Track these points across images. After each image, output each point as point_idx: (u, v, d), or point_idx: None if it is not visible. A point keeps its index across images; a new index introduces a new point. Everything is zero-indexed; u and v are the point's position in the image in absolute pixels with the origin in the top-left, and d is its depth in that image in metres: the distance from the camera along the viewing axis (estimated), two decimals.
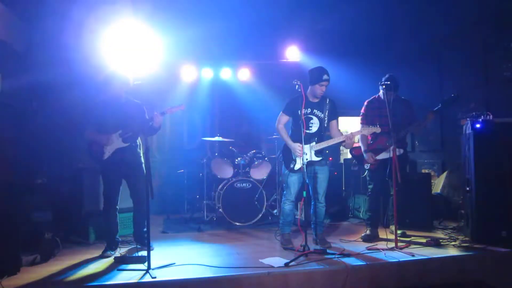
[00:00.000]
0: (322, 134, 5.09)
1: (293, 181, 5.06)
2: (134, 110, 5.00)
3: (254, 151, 7.24)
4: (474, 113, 5.33)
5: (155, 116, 4.76)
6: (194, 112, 8.89)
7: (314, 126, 5.06)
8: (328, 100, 5.08)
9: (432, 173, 7.54)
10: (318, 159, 5.01)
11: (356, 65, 7.64)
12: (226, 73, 8.70)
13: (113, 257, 4.59)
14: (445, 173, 7.23)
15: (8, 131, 5.53)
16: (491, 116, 5.18)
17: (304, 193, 4.70)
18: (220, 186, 6.86)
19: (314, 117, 5.06)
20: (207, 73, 8.61)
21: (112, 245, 4.95)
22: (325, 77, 4.91)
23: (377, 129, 4.96)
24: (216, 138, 7.29)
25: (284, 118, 5.15)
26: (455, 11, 6.75)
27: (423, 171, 7.90)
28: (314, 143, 4.99)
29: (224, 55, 8.36)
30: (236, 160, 7.08)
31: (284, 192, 5.18)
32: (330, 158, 7.80)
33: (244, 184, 6.73)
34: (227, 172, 7.06)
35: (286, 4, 7.00)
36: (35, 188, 5.59)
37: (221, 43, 7.83)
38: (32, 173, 5.77)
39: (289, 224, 5.19)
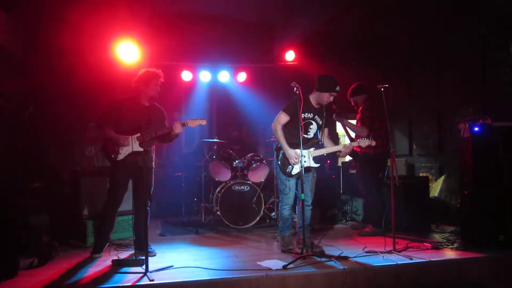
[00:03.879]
0: (316, 140, 5.11)
1: (291, 186, 5.04)
2: (157, 115, 4.95)
3: (252, 154, 7.23)
4: (472, 117, 5.34)
5: (175, 126, 4.74)
6: (191, 115, 8.89)
7: (312, 131, 5.08)
8: (325, 107, 5.10)
9: (430, 177, 7.55)
10: (317, 165, 5.02)
11: (354, 69, 7.65)
12: (224, 76, 8.71)
13: (111, 260, 4.58)
14: (442, 177, 7.23)
15: (6, 135, 5.52)
16: (489, 120, 5.19)
17: (302, 195, 4.70)
18: (218, 189, 6.86)
19: (314, 123, 5.08)
20: (205, 76, 8.62)
21: (103, 244, 4.95)
22: (337, 88, 4.95)
23: (372, 142, 5.02)
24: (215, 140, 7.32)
25: (284, 119, 5.03)
26: (454, 14, 6.77)
27: (420, 174, 7.91)
28: (312, 149, 5.00)
29: (222, 58, 8.37)
30: (234, 163, 7.07)
31: (281, 197, 5.12)
32: (328, 161, 7.80)
33: (242, 187, 6.72)
34: (225, 175, 7.06)
35: (284, 8, 7.01)
36: (33, 192, 5.57)
37: (219, 46, 7.83)
38: (30, 176, 5.76)
39: (289, 227, 5.18)
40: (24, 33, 6.21)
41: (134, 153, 4.80)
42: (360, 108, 6.06)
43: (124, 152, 4.79)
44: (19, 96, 6.00)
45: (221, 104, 9.06)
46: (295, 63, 8.53)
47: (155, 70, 4.99)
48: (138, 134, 4.78)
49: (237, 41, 7.63)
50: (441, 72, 7.57)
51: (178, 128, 4.76)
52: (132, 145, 4.80)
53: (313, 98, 5.09)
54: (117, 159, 4.79)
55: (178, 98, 8.47)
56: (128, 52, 6.89)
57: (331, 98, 4.99)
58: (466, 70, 6.92)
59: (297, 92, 4.87)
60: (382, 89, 5.24)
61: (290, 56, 8.46)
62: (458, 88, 7.07)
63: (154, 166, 5.04)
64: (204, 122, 4.94)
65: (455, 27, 6.94)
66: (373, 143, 5.03)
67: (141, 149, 4.77)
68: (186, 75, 8.49)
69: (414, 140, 8.25)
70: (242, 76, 8.80)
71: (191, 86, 8.68)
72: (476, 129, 5.17)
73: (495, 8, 6.18)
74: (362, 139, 5.07)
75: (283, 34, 7.97)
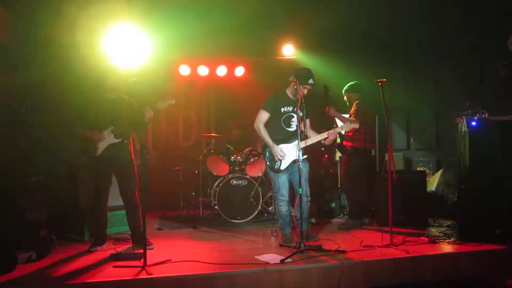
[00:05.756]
0: (299, 132, 5.04)
1: (283, 181, 5.06)
2: (125, 106, 5.04)
3: (249, 148, 7.23)
4: (469, 111, 5.35)
5: (145, 111, 4.78)
6: (189, 109, 8.88)
7: (294, 124, 5.09)
8: (303, 99, 5.07)
9: (427, 171, 7.56)
10: (305, 157, 4.97)
11: (352, 63, 7.63)
12: (221, 70, 8.68)
13: (109, 254, 4.59)
14: (440, 171, 7.25)
15: (3, 129, 5.51)
16: (486, 114, 5.20)
17: (300, 190, 4.70)
18: (216, 183, 6.87)
19: (295, 115, 5.08)
20: (203, 70, 8.59)
21: (100, 240, 4.99)
22: (310, 81, 4.94)
23: (356, 125, 5.12)
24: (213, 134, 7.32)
25: (265, 116, 5.07)
26: (452, 9, 6.76)
27: (418, 169, 7.93)
28: (297, 141, 4.95)
29: (219, 52, 8.34)
30: (232, 157, 7.08)
31: (276, 194, 5.12)
32: (326, 156, 7.80)
33: (240, 181, 6.73)
34: (223, 169, 7.06)
35: (282, 1, 6.98)
36: (30, 186, 5.57)
37: (216, 40, 7.80)
38: (27, 171, 5.75)
39: (289, 224, 5.17)
40: (21, 27, 6.18)
41: (111, 146, 4.91)
42: (354, 103, 6.14)
43: (101, 147, 4.88)
44: (16, 90, 5.98)
45: (219, 98, 9.04)
46: (293, 57, 8.51)
47: (114, 64, 5.06)
48: (112, 127, 4.90)
49: (235, 35, 7.60)
50: (439, 66, 7.57)
51: (149, 113, 4.79)
52: (107, 139, 4.90)
53: (289, 91, 5.13)
54: (96, 155, 4.88)
55: (175, 92, 8.44)
56: (125, 46, 6.85)
57: (305, 91, 4.98)
58: (463, 64, 6.91)
59: (295, 86, 4.88)
60: (380, 83, 5.25)
61: (288, 50, 8.43)
62: (455, 82, 7.07)
63: (133, 158, 5.10)
64: (173, 102, 4.94)
65: (453, 21, 6.93)
66: (356, 126, 5.13)
67: (118, 141, 4.92)
68: (183, 70, 8.46)
69: (412, 134, 8.25)
70: (240, 70, 8.78)
71: (189, 80, 8.65)
72: (474, 123, 5.18)
73: (494, 2, 6.18)
74: (345, 123, 5.15)
75: (281, 28, 7.92)
